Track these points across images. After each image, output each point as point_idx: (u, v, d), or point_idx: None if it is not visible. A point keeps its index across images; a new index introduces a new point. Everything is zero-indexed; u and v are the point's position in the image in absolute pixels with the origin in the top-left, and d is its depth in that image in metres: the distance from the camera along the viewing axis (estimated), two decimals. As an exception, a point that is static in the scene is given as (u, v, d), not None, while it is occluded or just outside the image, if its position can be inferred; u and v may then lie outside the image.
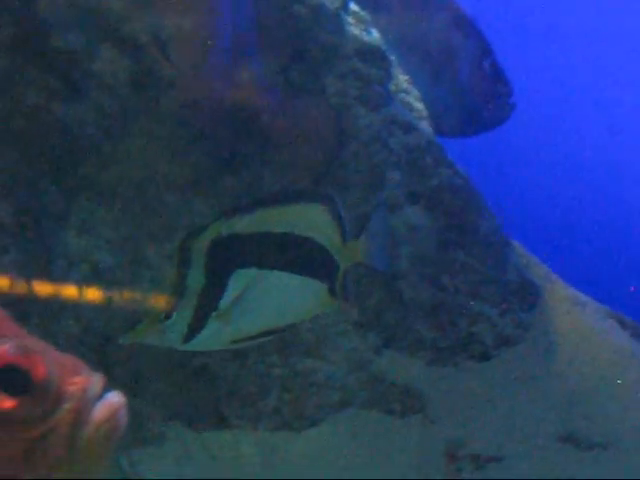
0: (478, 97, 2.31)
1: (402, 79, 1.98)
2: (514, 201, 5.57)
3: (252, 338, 1.21)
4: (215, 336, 1.13)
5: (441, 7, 2.20)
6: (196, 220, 1.97)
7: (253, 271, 1.13)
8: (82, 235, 2.00)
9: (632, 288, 3.91)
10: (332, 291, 1.19)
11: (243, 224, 1.11)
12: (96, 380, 0.70)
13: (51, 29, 1.87)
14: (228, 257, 1.11)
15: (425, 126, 1.96)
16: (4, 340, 0.67)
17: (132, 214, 1.94)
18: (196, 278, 1.09)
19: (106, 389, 0.69)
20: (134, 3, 1.77)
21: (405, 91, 1.97)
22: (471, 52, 2.25)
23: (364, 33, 1.93)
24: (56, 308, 1.90)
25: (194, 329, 1.10)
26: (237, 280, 1.12)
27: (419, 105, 1.97)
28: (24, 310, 1.82)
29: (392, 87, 1.95)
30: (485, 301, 2.04)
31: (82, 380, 0.69)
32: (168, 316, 1.09)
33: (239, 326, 1.15)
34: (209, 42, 1.75)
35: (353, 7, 1.94)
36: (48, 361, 0.67)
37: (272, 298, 1.16)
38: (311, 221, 1.15)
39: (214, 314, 1.11)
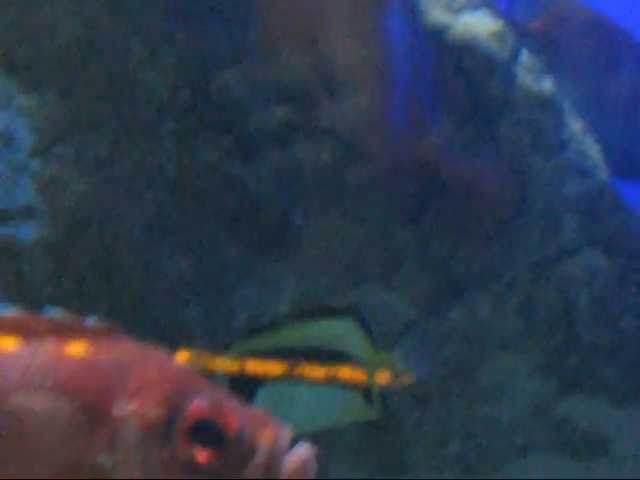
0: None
1: (576, 127, 2.00)
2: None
3: None
4: None
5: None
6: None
7: (279, 386, 1.17)
8: (263, 289, 2.05)
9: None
10: (368, 399, 1.21)
11: (268, 340, 1.16)
12: (286, 432, 0.70)
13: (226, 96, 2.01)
14: (253, 375, 1.16)
15: (600, 171, 1.97)
16: (198, 395, 0.69)
17: (316, 271, 2.00)
18: None
19: (295, 441, 0.70)
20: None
21: (579, 138, 1.99)
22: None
23: (535, 82, 1.97)
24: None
25: None
26: (264, 397, 1.16)
27: (593, 151, 1.99)
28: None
29: (565, 134, 1.98)
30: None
31: (272, 432, 0.70)
32: None
33: None
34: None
35: (525, 55, 1.98)
36: (240, 414, 0.69)
37: (300, 410, 1.19)
38: (342, 335, 1.18)
39: None
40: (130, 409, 0.68)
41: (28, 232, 1.85)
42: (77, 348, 0.74)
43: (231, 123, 2.05)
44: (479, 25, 1.97)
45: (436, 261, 1.94)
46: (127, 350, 0.76)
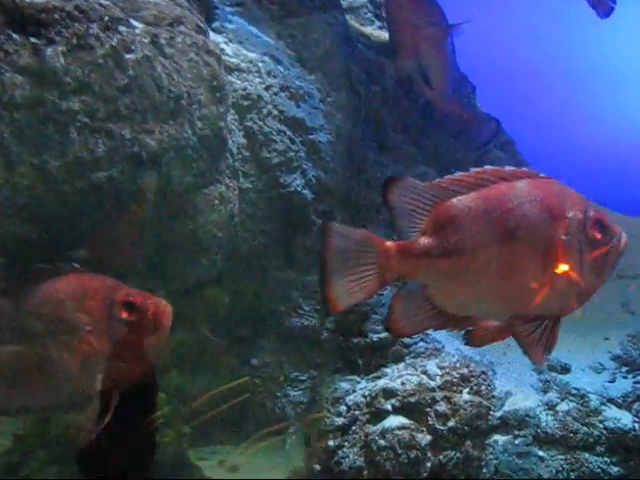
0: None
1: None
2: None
3: None
4: None
5: None
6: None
7: None
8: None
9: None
10: None
11: None
12: (164, 303, 1.93)
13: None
14: None
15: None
16: (120, 288, 1.91)
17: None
18: None
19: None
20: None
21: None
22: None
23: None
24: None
25: None
26: None
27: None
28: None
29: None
30: None
31: (157, 301, 1.92)
32: None
33: None
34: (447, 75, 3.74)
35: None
36: (141, 296, 1.89)
37: None
38: None
39: None
40: None
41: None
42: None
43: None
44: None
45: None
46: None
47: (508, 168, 1.71)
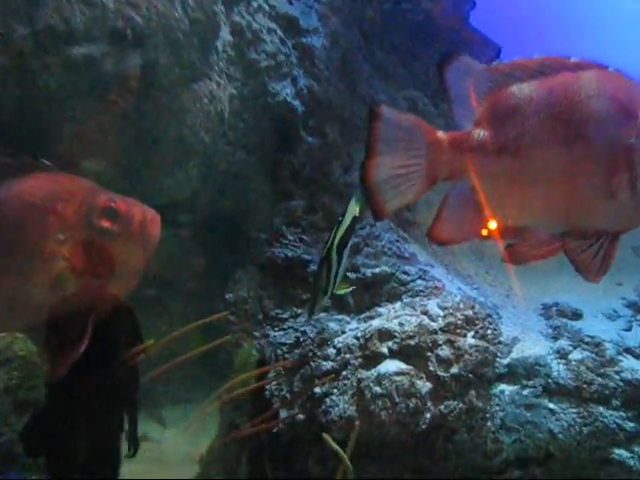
0: None
1: None
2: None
3: None
4: None
5: None
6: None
7: None
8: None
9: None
10: None
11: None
12: (149, 209, 1.60)
13: None
14: None
15: None
16: (100, 192, 1.56)
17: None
18: None
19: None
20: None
21: None
22: None
23: None
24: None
25: None
26: None
27: None
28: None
29: None
30: None
31: (142, 209, 1.58)
32: None
33: None
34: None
35: None
36: (125, 201, 1.57)
37: None
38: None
39: None
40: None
41: None
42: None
43: None
44: None
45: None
46: None
47: (573, 58, 1.53)
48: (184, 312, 2.75)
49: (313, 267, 2.87)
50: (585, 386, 2.66)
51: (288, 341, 2.81)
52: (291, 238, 2.89)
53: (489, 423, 2.63)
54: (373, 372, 2.62)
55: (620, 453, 2.56)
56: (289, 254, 2.88)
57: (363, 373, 2.63)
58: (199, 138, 2.46)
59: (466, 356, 2.67)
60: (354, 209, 2.07)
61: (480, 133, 1.52)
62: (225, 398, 2.46)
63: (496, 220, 1.57)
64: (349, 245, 2.11)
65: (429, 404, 2.58)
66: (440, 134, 1.51)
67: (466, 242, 2.76)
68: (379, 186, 1.52)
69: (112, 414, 1.77)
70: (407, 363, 2.64)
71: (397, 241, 3.00)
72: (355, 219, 2.07)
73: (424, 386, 2.60)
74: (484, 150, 1.51)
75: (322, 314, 2.83)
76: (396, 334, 2.68)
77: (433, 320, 2.74)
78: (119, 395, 1.74)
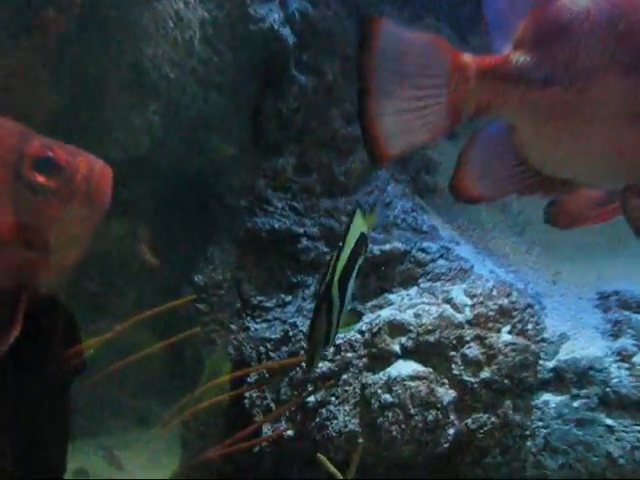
0: None
1: None
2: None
3: None
4: None
5: None
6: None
7: None
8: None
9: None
10: None
11: None
12: (96, 159, 1.39)
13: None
14: None
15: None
16: (33, 138, 1.35)
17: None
18: None
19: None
20: None
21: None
22: None
23: None
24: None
25: None
26: None
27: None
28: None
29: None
30: None
31: (87, 159, 1.38)
32: None
33: None
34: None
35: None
36: (66, 150, 1.36)
37: None
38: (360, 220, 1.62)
39: None
40: None
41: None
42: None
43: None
44: None
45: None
46: None
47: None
48: (136, 303, 2.48)
49: (306, 243, 2.60)
50: (653, 398, 2.36)
51: (274, 336, 2.51)
52: (278, 205, 2.61)
53: (529, 443, 2.31)
54: (381, 376, 2.33)
55: (697, 483, 2.25)
56: (275, 225, 2.60)
57: (369, 377, 2.35)
58: (161, 74, 2.18)
59: (500, 357, 2.34)
60: (361, 226, 1.47)
61: (521, 58, 1.36)
62: (192, 410, 2.24)
63: (540, 172, 1.40)
64: (354, 276, 1.51)
65: (452, 417, 2.28)
66: (467, 57, 1.36)
67: (501, 200, 2.64)
68: (381, 120, 1.33)
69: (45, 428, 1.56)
70: (425, 365, 2.35)
71: (413, 210, 2.74)
72: (363, 240, 1.47)
73: (446, 394, 2.29)
74: (526, 79, 1.36)
75: (318, 301, 2.49)
76: (411, 328, 2.38)
77: (458, 311, 2.43)
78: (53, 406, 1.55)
